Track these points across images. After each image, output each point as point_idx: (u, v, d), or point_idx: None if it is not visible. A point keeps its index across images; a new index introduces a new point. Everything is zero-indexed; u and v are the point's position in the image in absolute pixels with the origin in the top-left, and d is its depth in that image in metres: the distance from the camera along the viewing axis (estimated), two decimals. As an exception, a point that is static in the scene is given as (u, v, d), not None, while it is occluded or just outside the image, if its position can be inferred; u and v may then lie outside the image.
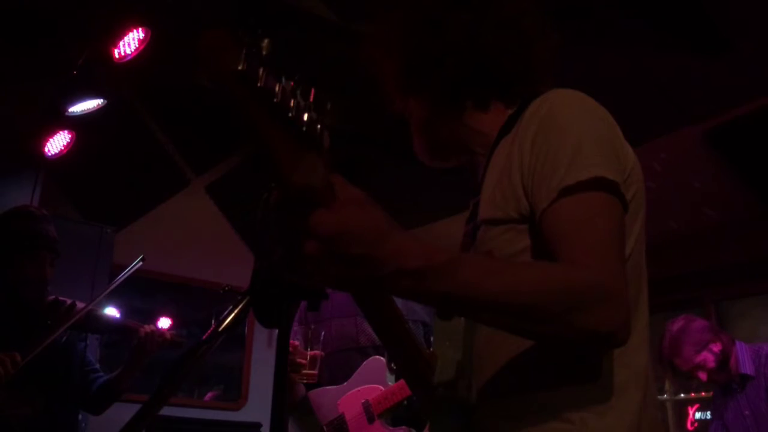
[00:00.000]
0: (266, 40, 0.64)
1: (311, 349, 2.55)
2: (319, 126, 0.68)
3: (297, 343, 2.50)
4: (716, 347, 3.10)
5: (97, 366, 2.65)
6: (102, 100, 3.71)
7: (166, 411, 0.94)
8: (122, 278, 2.49)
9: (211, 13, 3.93)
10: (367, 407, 2.48)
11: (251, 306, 0.92)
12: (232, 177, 5.27)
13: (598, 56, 3.55)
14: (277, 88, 0.64)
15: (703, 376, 3.13)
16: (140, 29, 3.38)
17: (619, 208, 0.95)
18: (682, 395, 4.07)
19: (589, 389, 0.96)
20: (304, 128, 0.67)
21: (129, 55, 3.39)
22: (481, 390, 1.05)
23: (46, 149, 3.83)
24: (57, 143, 3.85)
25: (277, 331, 0.93)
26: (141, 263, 2.54)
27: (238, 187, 5.22)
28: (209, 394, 5.26)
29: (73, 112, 3.71)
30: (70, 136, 3.85)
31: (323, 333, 2.65)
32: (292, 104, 0.65)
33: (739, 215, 4.59)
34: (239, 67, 0.62)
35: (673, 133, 4.00)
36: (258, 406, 5.06)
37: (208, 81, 0.63)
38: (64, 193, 4.55)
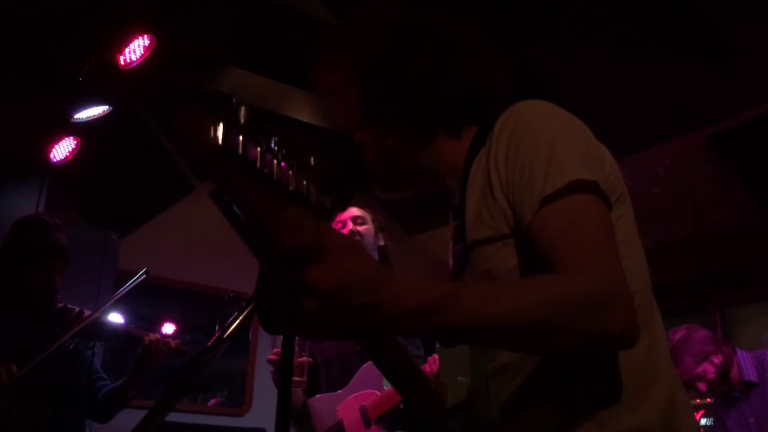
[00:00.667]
0: (243, 108, 0.63)
1: (298, 357, 2.52)
2: (305, 182, 0.68)
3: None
4: (717, 359, 3.08)
5: (104, 374, 2.66)
6: (107, 107, 3.72)
7: (171, 417, 0.95)
8: (125, 291, 2.51)
9: (215, 20, 3.95)
10: (364, 412, 2.47)
11: (256, 312, 0.92)
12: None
13: (601, 63, 3.56)
14: (258, 155, 0.64)
15: (702, 386, 3.11)
16: (145, 36, 3.40)
17: (602, 206, 0.95)
18: (699, 401, 4.05)
19: (618, 387, 0.96)
20: (290, 188, 0.67)
21: (134, 61, 3.41)
22: (505, 407, 1.04)
23: (52, 155, 3.85)
24: (62, 149, 3.86)
25: (281, 337, 0.93)
26: (144, 276, 2.55)
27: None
28: (212, 401, 5.26)
29: (79, 118, 3.73)
30: (75, 142, 3.86)
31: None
32: (275, 167, 0.65)
33: (744, 220, 4.58)
34: (218, 142, 0.61)
35: (676, 138, 4.00)
36: (262, 413, 5.05)
37: (187, 158, 0.63)
38: (69, 199, 4.56)
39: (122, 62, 3.42)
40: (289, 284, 0.69)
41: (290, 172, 0.67)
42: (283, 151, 0.67)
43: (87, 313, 2.42)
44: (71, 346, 2.47)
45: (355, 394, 2.53)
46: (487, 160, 1.06)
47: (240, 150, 0.62)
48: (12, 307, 2.36)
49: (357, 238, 2.66)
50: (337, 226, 2.73)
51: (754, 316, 5.11)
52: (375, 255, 2.71)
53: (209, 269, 5.10)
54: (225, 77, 4.12)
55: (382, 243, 2.77)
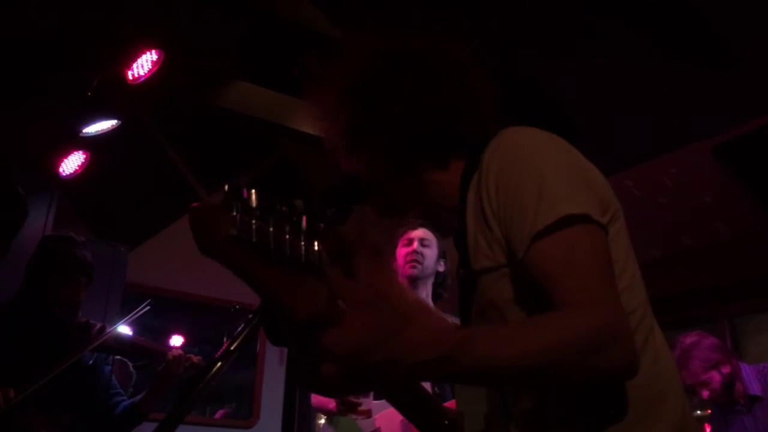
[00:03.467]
0: (253, 194, 0.65)
1: None
2: (316, 249, 0.69)
3: None
4: (725, 369, 3.07)
5: (121, 390, 2.69)
6: (116, 121, 3.76)
7: (179, 430, 0.96)
8: (127, 320, 2.56)
9: (221, 34, 3.99)
10: (405, 426, 2.47)
11: (261, 325, 0.93)
12: (244, 195, 5.31)
13: (606, 73, 3.57)
14: (270, 236, 0.65)
15: (705, 394, 3.10)
16: (153, 51, 3.43)
17: (597, 233, 0.96)
18: (699, 412, 4.02)
19: (631, 407, 0.97)
20: (303, 260, 0.68)
21: (142, 76, 3.44)
22: (521, 430, 1.06)
23: (61, 169, 3.88)
24: (72, 163, 3.89)
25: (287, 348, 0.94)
26: (148, 308, 2.61)
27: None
28: (220, 412, 5.26)
29: (88, 132, 3.76)
30: (84, 156, 3.89)
31: None
32: (287, 243, 0.66)
33: (752, 229, 4.56)
34: (233, 233, 0.63)
35: (682, 148, 4.00)
36: (270, 424, 5.05)
37: (203, 253, 0.64)
38: (78, 212, 4.60)
39: (130, 77, 3.45)
40: (309, 351, 0.71)
41: (301, 243, 0.68)
42: (294, 219, 0.68)
43: (109, 329, 2.46)
44: (91, 361, 2.51)
45: None
46: (479, 189, 1.07)
47: (254, 237, 0.64)
48: (37, 320, 2.39)
49: (419, 258, 2.74)
50: (403, 242, 2.81)
51: (764, 325, 5.07)
52: (431, 279, 2.78)
53: (216, 281, 5.09)
54: (231, 90, 4.16)
55: (441, 269, 2.83)
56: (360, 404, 2.52)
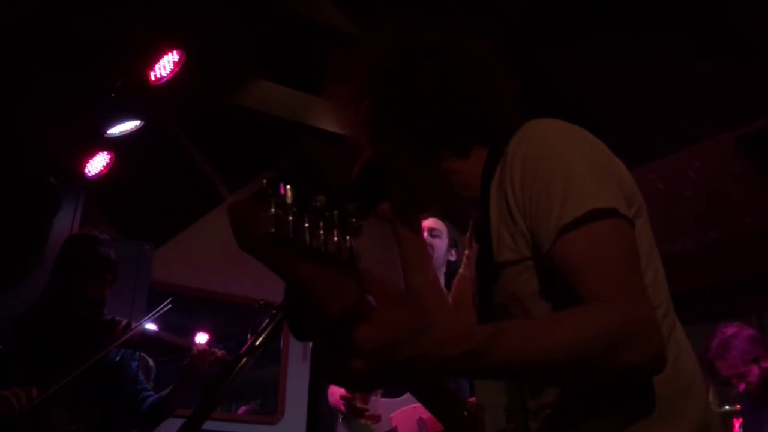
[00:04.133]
0: (289, 190, 0.65)
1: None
2: (347, 238, 0.69)
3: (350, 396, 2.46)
4: (765, 363, 3.03)
5: (147, 385, 2.72)
6: (139, 122, 3.81)
7: (205, 426, 0.97)
8: (151, 318, 2.58)
9: (242, 34, 4.02)
10: (422, 425, 2.47)
11: (285, 320, 0.94)
12: (265, 193, 5.36)
13: (629, 66, 3.53)
14: (306, 232, 0.65)
15: (741, 386, 3.05)
16: (174, 52, 3.47)
17: (624, 228, 0.95)
18: (727, 407, 3.96)
19: (653, 403, 0.96)
20: (337, 255, 0.68)
21: (164, 77, 3.48)
22: (542, 424, 1.06)
23: (87, 170, 3.94)
24: (97, 164, 3.95)
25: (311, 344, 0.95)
26: (170, 306, 2.65)
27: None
28: (242, 408, 5.30)
29: (112, 133, 3.82)
30: (109, 156, 3.95)
31: None
32: (322, 238, 0.67)
33: (779, 222, 4.48)
34: (271, 230, 0.63)
35: (706, 140, 3.94)
36: (295, 420, 5.09)
37: (243, 249, 0.65)
38: (103, 212, 4.66)
39: (153, 78, 3.49)
40: (337, 346, 0.71)
41: (335, 239, 0.68)
42: (326, 214, 0.68)
43: (134, 325, 2.49)
44: (118, 358, 2.55)
45: (414, 405, 2.52)
46: (502, 180, 1.06)
47: (291, 233, 0.64)
48: (63, 318, 2.44)
49: (428, 250, 2.66)
50: None
51: (793, 319, 4.98)
52: (443, 269, 2.72)
53: (239, 278, 5.15)
54: (251, 90, 4.18)
55: (452, 258, 2.77)
56: (367, 410, 2.50)
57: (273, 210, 0.63)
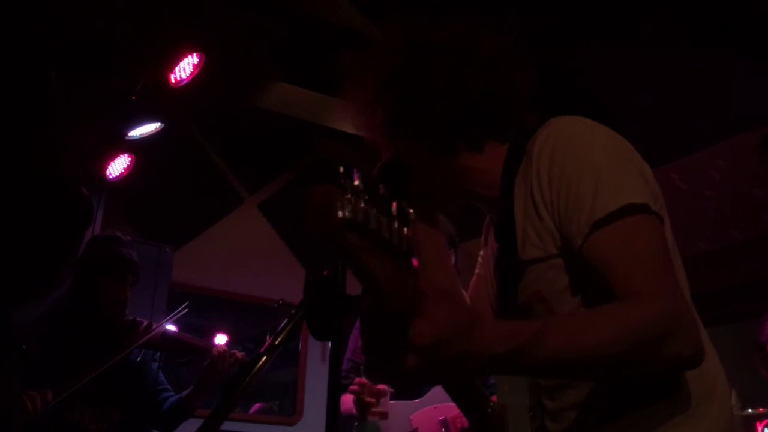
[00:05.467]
0: (358, 176, 0.64)
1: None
2: (405, 230, 0.68)
3: (365, 381, 2.41)
4: None
5: (168, 386, 2.74)
6: (160, 124, 3.84)
7: (223, 426, 0.97)
8: (168, 321, 2.60)
9: (260, 36, 4.04)
10: (445, 425, 2.46)
11: (305, 319, 0.94)
12: (283, 194, 5.39)
13: (652, 63, 3.49)
14: (374, 221, 0.64)
15: None
16: (194, 54, 3.49)
17: (655, 224, 0.95)
18: (750, 410, 3.90)
19: (676, 404, 0.96)
20: (401, 248, 0.67)
21: (184, 80, 3.51)
22: (564, 424, 1.05)
23: (108, 172, 3.98)
24: (117, 166, 4.00)
25: (330, 344, 0.94)
26: (186, 310, 2.67)
27: (289, 204, 5.33)
28: (255, 406, 5.28)
29: (133, 136, 3.86)
30: (129, 159, 3.99)
31: None
32: (390, 229, 0.65)
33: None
34: (347, 215, 0.61)
35: (729, 139, 3.89)
36: (313, 422, 5.09)
37: (316, 236, 0.63)
38: (124, 213, 4.71)
39: (173, 80, 3.52)
40: (390, 341, 0.70)
41: (397, 229, 0.67)
42: (391, 207, 0.67)
43: (155, 326, 2.51)
44: (138, 358, 2.57)
45: (435, 406, 2.51)
46: (527, 178, 1.06)
47: (364, 221, 0.63)
48: (85, 319, 2.46)
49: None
50: None
51: (819, 321, 4.90)
52: None
53: (258, 280, 5.18)
54: (270, 91, 4.20)
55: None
56: (374, 403, 2.47)
57: (349, 196, 0.62)
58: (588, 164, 0.98)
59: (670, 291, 0.89)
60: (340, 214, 0.61)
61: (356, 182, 0.63)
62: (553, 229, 1.00)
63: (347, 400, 2.63)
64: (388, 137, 1.19)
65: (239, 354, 2.62)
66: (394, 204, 0.68)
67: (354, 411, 2.56)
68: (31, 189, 0.91)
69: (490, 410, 1.16)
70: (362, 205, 0.63)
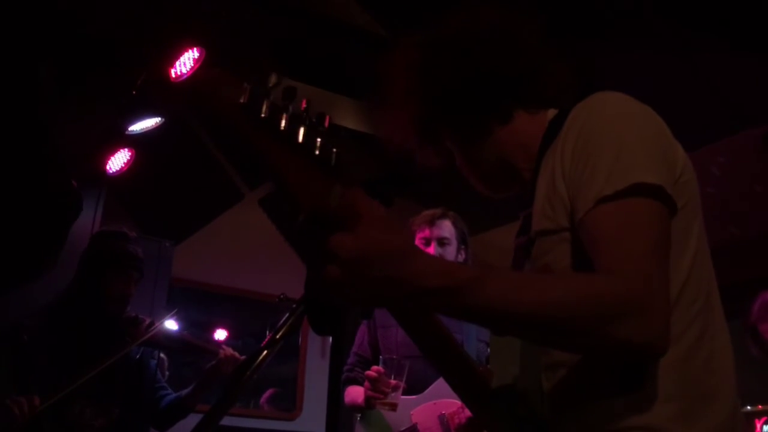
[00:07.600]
0: (273, 75, 0.66)
1: (395, 379, 2.45)
2: (334, 149, 0.70)
3: (383, 370, 2.42)
4: None
5: (165, 384, 2.75)
6: (160, 119, 3.83)
7: (223, 421, 0.97)
8: (158, 326, 2.58)
9: (262, 30, 4.03)
10: (444, 421, 2.46)
11: (305, 313, 0.94)
12: (284, 190, 5.39)
13: (653, 60, 3.49)
14: (282, 119, 0.65)
15: None
16: (194, 49, 3.48)
17: (662, 212, 0.91)
18: (749, 407, 3.90)
19: (673, 401, 0.93)
20: (317, 152, 0.69)
21: (185, 74, 3.50)
22: (556, 404, 1.04)
23: (108, 167, 3.98)
24: (118, 161, 3.99)
25: (330, 340, 0.94)
26: (175, 316, 2.70)
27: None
28: (268, 392, 5.30)
29: (133, 130, 3.86)
30: (130, 153, 3.99)
31: (392, 337, 2.65)
32: (301, 131, 0.67)
33: (804, 219, 4.40)
34: (241, 101, 0.63)
35: (730, 136, 3.88)
36: (313, 417, 5.11)
37: (211, 115, 0.66)
38: (124, 208, 4.71)
39: (173, 75, 3.51)
40: (317, 247, 0.72)
41: (317, 139, 0.69)
42: (312, 118, 0.68)
43: (157, 324, 2.51)
44: (138, 356, 2.57)
45: (434, 402, 2.51)
46: (556, 149, 1.05)
47: (264, 113, 0.64)
48: (89, 314, 2.46)
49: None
50: (420, 243, 2.69)
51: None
52: None
53: (259, 275, 5.19)
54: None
55: (462, 257, 2.75)
56: (387, 392, 2.46)
57: (248, 86, 0.63)
58: (611, 140, 0.96)
59: (643, 275, 0.84)
60: (233, 97, 0.63)
61: (267, 80, 0.66)
62: (566, 200, 0.99)
63: (351, 392, 2.64)
64: (423, 134, 1.19)
65: (241, 358, 2.63)
66: (327, 119, 0.70)
67: (357, 402, 2.57)
68: (20, 179, 0.92)
69: (476, 376, 1.14)
70: (265, 100, 0.65)
